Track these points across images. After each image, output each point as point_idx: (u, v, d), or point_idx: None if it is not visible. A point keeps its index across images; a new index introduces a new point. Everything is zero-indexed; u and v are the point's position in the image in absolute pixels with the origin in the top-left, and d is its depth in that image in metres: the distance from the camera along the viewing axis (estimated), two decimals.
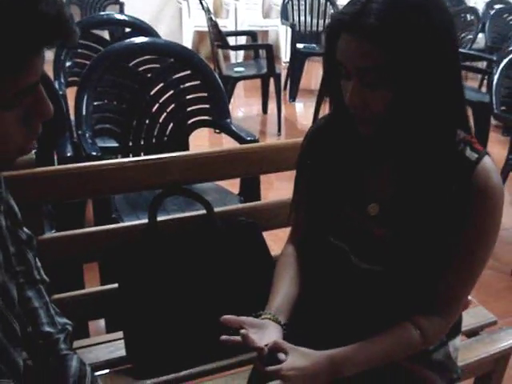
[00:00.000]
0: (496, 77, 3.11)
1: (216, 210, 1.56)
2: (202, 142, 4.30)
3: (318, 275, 1.34)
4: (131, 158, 1.50)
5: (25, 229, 1.17)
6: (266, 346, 1.10)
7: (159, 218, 1.51)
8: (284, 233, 1.55)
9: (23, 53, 0.75)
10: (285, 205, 1.54)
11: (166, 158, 1.52)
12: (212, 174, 1.62)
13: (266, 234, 1.62)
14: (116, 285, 1.50)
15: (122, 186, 1.50)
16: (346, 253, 1.27)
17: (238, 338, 1.09)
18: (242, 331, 1.09)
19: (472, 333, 1.73)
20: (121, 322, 1.47)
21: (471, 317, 1.75)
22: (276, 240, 1.65)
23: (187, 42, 7.29)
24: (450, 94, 1.11)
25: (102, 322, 1.88)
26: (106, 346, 1.56)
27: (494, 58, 5.04)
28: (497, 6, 6.47)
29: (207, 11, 4.89)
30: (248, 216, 1.60)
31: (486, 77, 5.37)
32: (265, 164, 1.65)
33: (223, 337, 1.10)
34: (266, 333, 1.15)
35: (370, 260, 1.25)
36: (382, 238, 1.22)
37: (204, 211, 1.55)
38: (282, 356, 1.10)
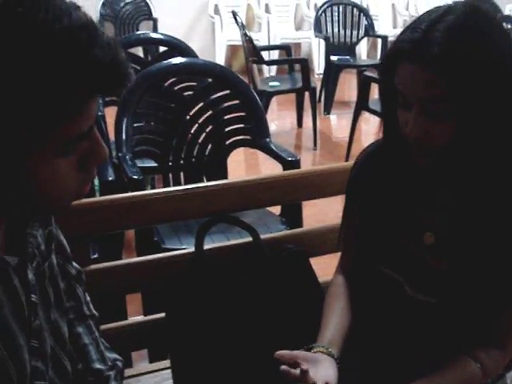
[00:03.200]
0: None
1: (262, 236, 1.54)
2: (238, 157, 4.28)
3: (370, 306, 1.31)
4: (176, 188, 1.49)
5: (74, 263, 1.16)
6: None
7: (205, 246, 1.50)
8: (331, 259, 1.51)
9: (78, 100, 0.73)
10: (332, 231, 1.52)
11: (211, 186, 1.51)
12: (256, 201, 1.59)
13: (313, 260, 1.59)
14: (160, 315, 1.48)
15: (168, 215, 1.48)
16: (400, 284, 1.24)
17: (297, 371, 1.07)
18: (304, 367, 1.06)
19: None
20: (169, 352, 1.45)
21: None
22: (324, 267, 1.62)
23: (220, 56, 7.33)
24: None
25: (144, 351, 1.86)
26: (151, 376, 1.55)
27: None
28: None
29: (241, 27, 4.89)
30: (294, 242, 1.57)
31: None
32: (310, 190, 1.62)
33: (283, 367, 1.08)
34: (320, 368, 1.12)
35: (425, 291, 1.21)
36: (438, 269, 1.18)
37: (249, 238, 1.53)
38: None
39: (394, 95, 1.09)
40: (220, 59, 7.20)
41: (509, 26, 5.89)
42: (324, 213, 2.78)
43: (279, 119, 6.05)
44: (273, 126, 5.66)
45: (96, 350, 1.14)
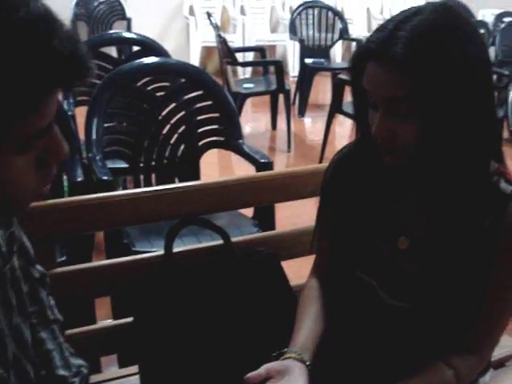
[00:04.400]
0: None
1: (234, 239, 1.51)
2: (212, 159, 4.26)
3: (343, 311, 1.29)
4: (146, 189, 1.46)
5: (37, 266, 1.12)
6: None
7: (175, 249, 1.47)
8: (304, 262, 1.49)
9: (36, 94, 0.70)
10: (305, 233, 1.50)
11: (181, 187, 1.48)
12: (228, 203, 1.57)
13: (285, 263, 1.57)
14: (129, 319, 1.45)
15: (137, 217, 1.45)
16: (374, 288, 1.22)
17: None
18: None
19: (498, 364, 1.66)
20: (136, 357, 1.42)
21: (497, 347, 1.68)
22: (297, 270, 1.60)
23: (195, 57, 7.30)
24: (482, 123, 1.06)
25: (113, 356, 1.83)
26: (120, 381, 1.52)
27: (506, 73, 4.99)
28: (506, 19, 6.42)
29: (216, 28, 4.87)
30: (266, 245, 1.55)
31: (497, 91, 5.32)
32: (283, 192, 1.60)
33: None
34: (291, 379, 1.09)
35: (399, 296, 1.19)
36: (412, 274, 1.17)
37: (221, 240, 1.50)
38: None
39: (364, 96, 1.08)
40: (194, 60, 7.17)
41: (482, 31, 5.96)
42: (297, 215, 2.76)
43: (253, 121, 6.04)
44: (247, 128, 5.64)
45: (60, 356, 1.10)
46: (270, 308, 1.44)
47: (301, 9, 6.41)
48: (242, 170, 2.89)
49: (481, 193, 1.09)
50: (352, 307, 1.27)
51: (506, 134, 3.53)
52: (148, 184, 2.47)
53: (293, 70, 7.60)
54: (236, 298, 1.43)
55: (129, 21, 7.04)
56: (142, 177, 2.47)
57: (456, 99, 1.01)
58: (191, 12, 7.51)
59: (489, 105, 1.08)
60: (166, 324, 1.37)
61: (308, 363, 1.15)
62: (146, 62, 2.50)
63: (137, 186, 2.47)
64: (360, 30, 7.71)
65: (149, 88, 2.52)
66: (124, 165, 2.47)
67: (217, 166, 4.58)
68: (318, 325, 1.25)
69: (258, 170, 2.29)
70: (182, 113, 2.48)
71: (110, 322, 1.71)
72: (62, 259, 1.88)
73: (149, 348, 1.37)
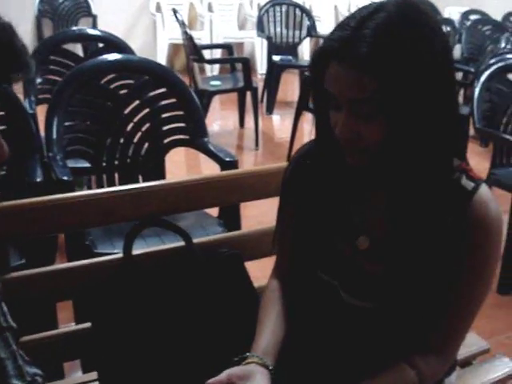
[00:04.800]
0: (477, 90, 3.08)
1: (196, 240, 1.48)
2: (179, 158, 4.21)
3: (305, 312, 1.26)
4: (106, 189, 1.42)
5: None
6: None
7: (136, 251, 1.43)
8: (270, 262, 1.47)
9: None
10: (270, 233, 1.46)
11: (142, 187, 1.44)
12: (193, 202, 1.53)
13: (250, 263, 1.54)
14: (90, 324, 1.41)
15: (99, 218, 1.40)
16: (335, 288, 1.20)
17: None
18: None
19: (464, 363, 1.66)
20: (96, 363, 1.38)
21: (463, 345, 1.68)
22: (261, 269, 1.57)
23: (162, 54, 7.23)
24: (446, 120, 1.05)
25: (77, 362, 1.79)
26: None
27: (472, 70, 5.04)
28: (472, 17, 6.49)
29: (182, 25, 4.82)
30: (230, 246, 1.52)
31: (463, 88, 5.37)
32: (248, 191, 1.57)
33: None
34: None
35: (360, 296, 1.17)
36: (373, 274, 1.15)
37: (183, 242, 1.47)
38: None
39: (325, 95, 1.05)
40: (161, 58, 7.10)
41: (448, 29, 6.02)
42: (266, 214, 2.73)
43: (221, 119, 6.00)
44: (215, 126, 5.60)
45: (13, 365, 1.06)
46: (233, 310, 1.41)
47: (268, 6, 6.39)
48: (210, 168, 2.86)
49: (442, 190, 1.08)
50: (314, 308, 1.25)
51: (471, 131, 3.55)
52: (111, 184, 2.41)
53: (260, 67, 7.56)
54: (198, 301, 1.40)
55: (94, 18, 6.95)
56: (104, 176, 2.42)
57: (422, 97, 0.99)
58: (158, 9, 7.44)
59: (452, 101, 1.06)
60: (125, 328, 1.33)
61: (271, 368, 1.12)
62: (108, 58, 2.45)
63: (100, 186, 2.41)
64: (328, 27, 7.67)
65: (112, 86, 2.47)
66: (86, 164, 2.42)
67: (184, 165, 4.54)
68: (279, 327, 1.23)
69: (223, 168, 2.26)
70: (146, 110, 2.43)
71: (72, 326, 1.67)
72: (21, 262, 1.83)
73: (108, 354, 1.33)
